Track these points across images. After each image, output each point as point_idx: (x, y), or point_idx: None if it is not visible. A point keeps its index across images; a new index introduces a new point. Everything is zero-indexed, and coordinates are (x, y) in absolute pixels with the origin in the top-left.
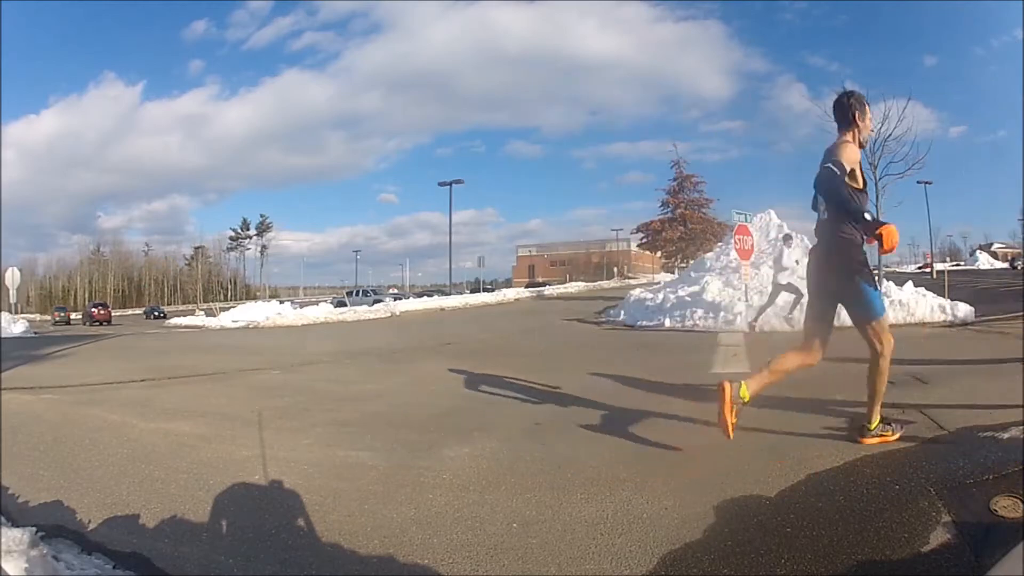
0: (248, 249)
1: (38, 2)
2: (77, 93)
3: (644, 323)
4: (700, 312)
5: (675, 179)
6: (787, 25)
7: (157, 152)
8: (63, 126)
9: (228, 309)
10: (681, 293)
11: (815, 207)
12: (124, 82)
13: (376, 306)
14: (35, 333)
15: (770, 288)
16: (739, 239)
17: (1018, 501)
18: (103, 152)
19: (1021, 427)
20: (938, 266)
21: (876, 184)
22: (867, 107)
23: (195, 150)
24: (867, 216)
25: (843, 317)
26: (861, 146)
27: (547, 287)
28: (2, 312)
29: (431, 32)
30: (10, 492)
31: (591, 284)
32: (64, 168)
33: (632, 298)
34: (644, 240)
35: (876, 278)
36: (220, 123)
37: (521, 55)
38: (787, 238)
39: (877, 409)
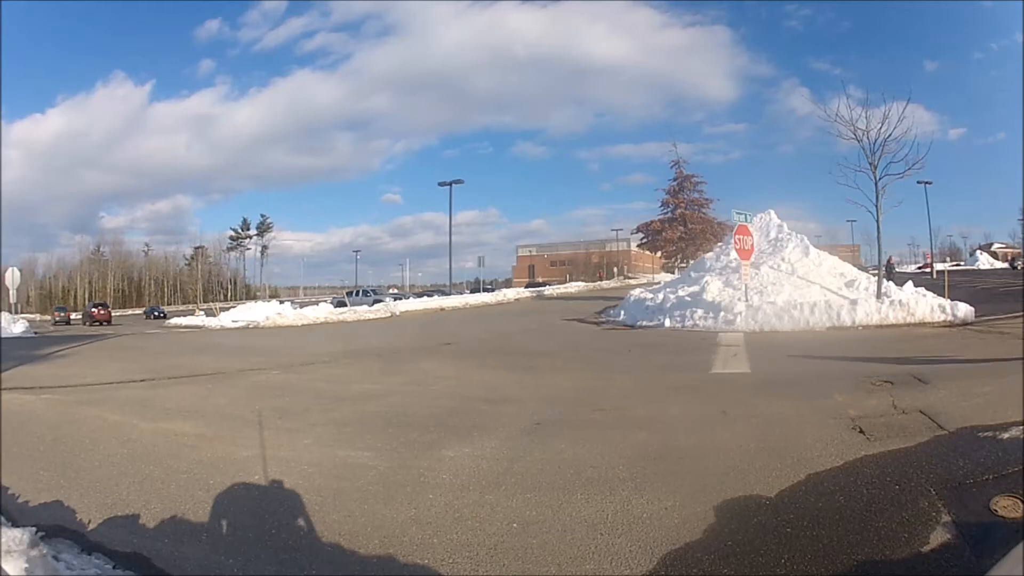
0: (248, 249)
1: (49, 1)
2: (85, 92)
3: (644, 323)
4: (700, 312)
5: (675, 179)
6: (791, 31)
7: (164, 152)
8: (69, 125)
9: (228, 309)
10: (681, 293)
11: None
12: (133, 82)
13: (376, 306)
14: (35, 333)
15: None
16: (739, 239)
17: (1018, 501)
18: (109, 152)
19: (1021, 427)
20: (938, 266)
21: (876, 184)
22: None
23: (202, 150)
24: None
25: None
26: None
27: (547, 287)
28: (2, 312)
29: (443, 35)
30: (10, 492)
31: (591, 284)
32: (69, 168)
33: (632, 298)
34: (644, 240)
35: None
36: (228, 123)
37: (530, 58)
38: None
39: None
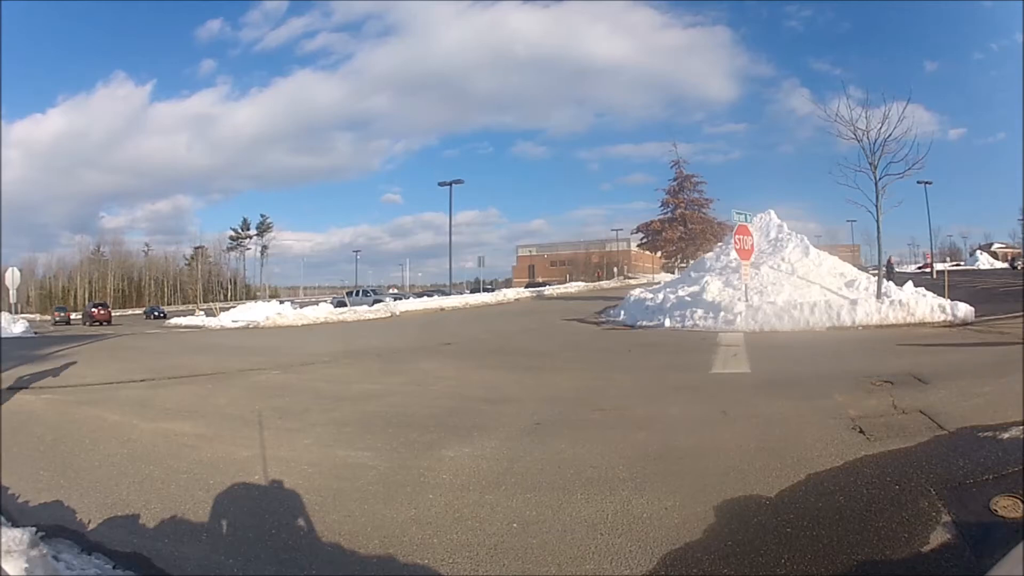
0: (248, 249)
1: (49, 1)
2: (86, 92)
3: (644, 323)
4: (700, 312)
5: (675, 179)
6: (792, 31)
7: (164, 152)
8: (70, 125)
9: (228, 309)
10: (681, 293)
11: None
12: (134, 82)
13: (376, 306)
14: (35, 333)
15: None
16: (739, 239)
17: (1018, 501)
18: (109, 152)
19: (1021, 427)
20: (938, 266)
21: (876, 184)
22: None
23: (202, 150)
24: None
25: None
26: None
27: (547, 287)
28: (2, 312)
29: (444, 35)
30: (10, 492)
31: (591, 284)
32: (69, 167)
33: (632, 298)
34: (644, 240)
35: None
36: (229, 123)
37: (531, 58)
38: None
39: None
